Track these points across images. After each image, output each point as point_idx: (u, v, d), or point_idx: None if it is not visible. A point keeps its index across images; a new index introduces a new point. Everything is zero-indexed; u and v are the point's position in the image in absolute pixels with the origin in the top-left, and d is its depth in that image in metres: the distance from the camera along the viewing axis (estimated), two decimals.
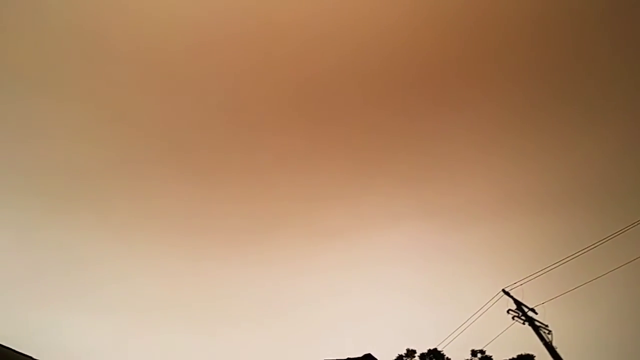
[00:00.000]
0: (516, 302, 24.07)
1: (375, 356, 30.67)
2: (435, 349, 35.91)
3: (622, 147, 48.00)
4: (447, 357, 36.04)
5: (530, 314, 23.70)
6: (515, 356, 33.62)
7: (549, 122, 51.65)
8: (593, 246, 22.51)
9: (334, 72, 55.21)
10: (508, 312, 24.06)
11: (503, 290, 24.52)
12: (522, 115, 52.69)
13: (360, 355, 25.92)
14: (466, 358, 35.31)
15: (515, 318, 23.87)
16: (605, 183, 49.90)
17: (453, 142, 55.24)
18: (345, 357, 25.63)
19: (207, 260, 55.41)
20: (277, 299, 55.13)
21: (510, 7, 49.33)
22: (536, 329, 23.24)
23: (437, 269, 53.27)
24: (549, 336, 23.28)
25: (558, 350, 22.42)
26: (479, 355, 34.70)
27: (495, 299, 24.74)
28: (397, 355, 37.31)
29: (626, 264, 23.41)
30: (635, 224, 21.86)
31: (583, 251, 22.85)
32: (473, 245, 53.97)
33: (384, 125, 57.72)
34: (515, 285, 24.22)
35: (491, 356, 34.48)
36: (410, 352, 36.74)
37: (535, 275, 24.07)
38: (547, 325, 23.58)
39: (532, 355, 33.11)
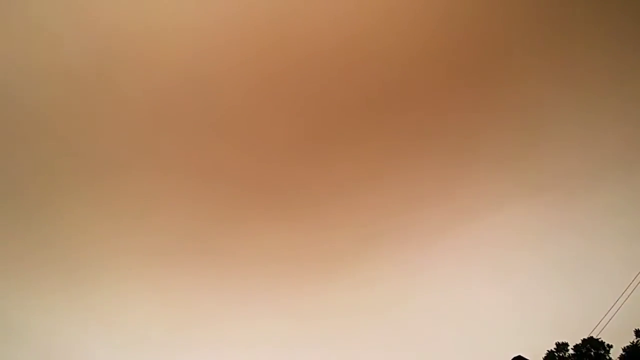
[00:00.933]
0: None
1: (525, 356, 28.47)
2: (590, 338, 31.99)
3: None
4: (607, 344, 31.92)
5: None
6: None
7: None
8: None
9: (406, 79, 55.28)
10: None
11: None
12: (620, 59, 46.80)
13: (509, 358, 24.14)
14: (631, 340, 30.91)
15: None
16: None
17: (543, 107, 50.87)
18: None
19: (333, 282, 56.53)
20: (402, 307, 53.94)
21: None
22: None
23: (563, 247, 47.82)
24: None
25: None
26: None
27: None
28: (545, 352, 34.06)
29: None
30: None
31: None
32: (596, 213, 47.87)
33: (467, 116, 55.49)
34: None
35: None
36: (562, 346, 33.14)
37: None
38: None
39: None
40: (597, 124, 50.77)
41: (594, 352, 31.55)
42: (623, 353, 31.25)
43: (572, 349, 32.68)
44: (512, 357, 29.74)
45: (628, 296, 25.65)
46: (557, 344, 33.23)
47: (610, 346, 31.69)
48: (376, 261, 57.65)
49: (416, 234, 57.02)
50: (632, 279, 23.96)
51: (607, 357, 32.05)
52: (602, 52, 48.47)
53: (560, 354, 32.78)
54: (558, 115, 50.88)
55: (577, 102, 50.02)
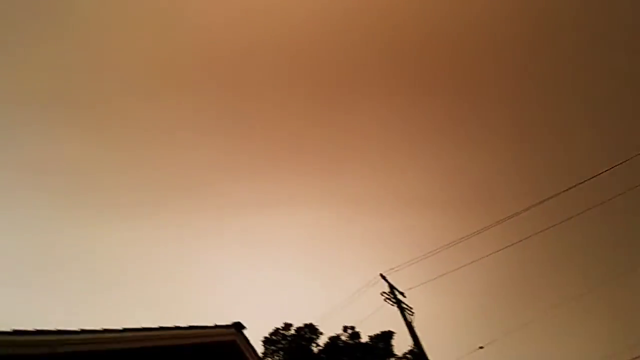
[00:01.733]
0: (390, 285, 26.42)
1: (254, 328, 30.84)
2: (310, 324, 37.83)
3: (484, 149, 55.07)
4: (320, 332, 38.33)
5: (399, 297, 26.25)
6: (379, 332, 37.42)
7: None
8: (459, 241, 25.85)
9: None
10: (382, 294, 26.29)
11: (380, 275, 26.68)
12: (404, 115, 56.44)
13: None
14: (337, 332, 38.04)
15: (387, 300, 26.22)
16: (472, 187, 57.80)
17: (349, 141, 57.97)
18: (213, 324, 24.93)
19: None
20: (158, 267, 52.92)
21: None
22: (402, 310, 25.89)
23: (326, 254, 56.38)
24: (411, 317, 26.07)
25: (416, 329, 25.34)
26: (349, 331, 37.68)
27: (373, 282, 26.80)
28: (273, 328, 38.39)
29: (480, 259, 27.46)
30: (490, 226, 25.51)
31: (448, 245, 26.06)
32: (359, 234, 58.25)
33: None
34: (392, 271, 26.53)
35: (359, 332, 37.75)
36: (287, 326, 38.11)
37: (407, 264, 26.64)
38: (411, 308, 26.41)
39: (392, 331, 37.25)
40: (387, 163, 60.47)
41: (308, 335, 37.46)
42: (328, 341, 38.16)
43: (294, 329, 38.02)
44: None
45: (352, 301, 30.78)
46: (285, 324, 38.09)
47: (321, 333, 38.23)
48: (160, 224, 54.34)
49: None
50: (359, 288, 28.73)
51: (316, 342, 38.34)
52: None
53: (284, 332, 37.66)
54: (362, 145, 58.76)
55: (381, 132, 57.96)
